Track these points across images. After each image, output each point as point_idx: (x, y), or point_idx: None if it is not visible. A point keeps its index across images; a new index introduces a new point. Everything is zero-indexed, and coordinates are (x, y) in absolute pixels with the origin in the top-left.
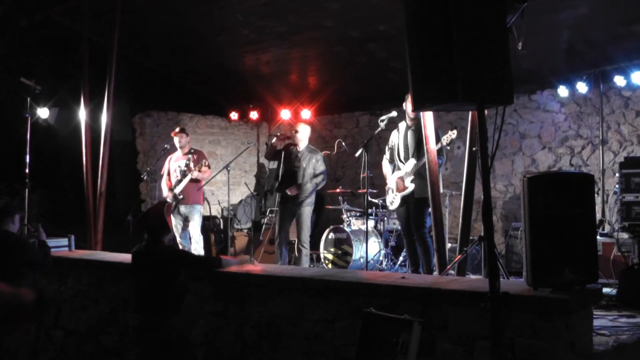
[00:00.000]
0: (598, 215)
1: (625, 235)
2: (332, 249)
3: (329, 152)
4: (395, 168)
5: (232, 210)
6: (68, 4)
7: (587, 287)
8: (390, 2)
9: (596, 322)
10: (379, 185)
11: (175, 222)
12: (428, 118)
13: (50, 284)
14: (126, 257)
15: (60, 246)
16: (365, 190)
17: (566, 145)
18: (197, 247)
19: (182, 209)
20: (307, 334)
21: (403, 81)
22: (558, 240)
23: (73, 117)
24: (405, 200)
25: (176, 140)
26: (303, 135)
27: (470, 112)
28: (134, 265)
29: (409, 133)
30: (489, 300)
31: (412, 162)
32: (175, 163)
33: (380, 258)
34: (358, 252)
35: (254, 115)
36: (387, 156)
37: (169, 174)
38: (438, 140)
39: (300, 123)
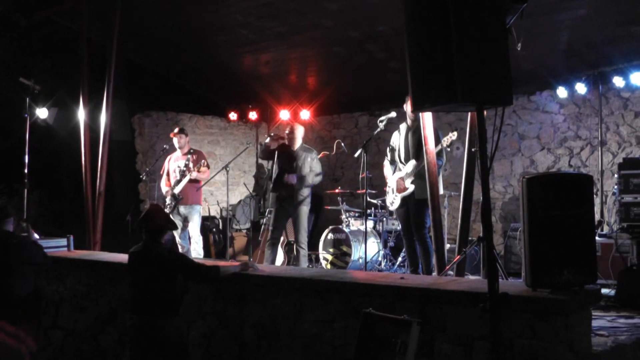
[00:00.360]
0: (597, 216)
1: (624, 236)
2: (331, 250)
3: (327, 152)
4: (396, 169)
5: (231, 211)
6: (67, 5)
7: (585, 287)
8: (390, 2)
9: (595, 323)
10: (378, 185)
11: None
12: (427, 119)
13: (49, 284)
14: (125, 258)
15: (59, 246)
16: (364, 190)
17: (565, 146)
18: (196, 247)
19: (182, 209)
20: (306, 334)
21: (402, 82)
22: (557, 241)
23: (72, 117)
24: (405, 201)
25: (175, 140)
26: (297, 135)
27: (469, 113)
28: (131, 265)
29: (410, 134)
30: (487, 301)
31: (413, 163)
32: (174, 163)
33: (379, 258)
34: (357, 252)
35: (253, 115)
36: (388, 157)
37: (168, 174)
38: (438, 141)
39: (295, 123)
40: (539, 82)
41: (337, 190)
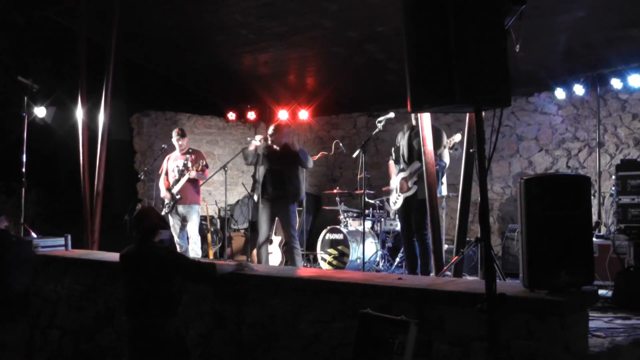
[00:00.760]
0: (594, 218)
1: (621, 238)
2: (329, 250)
3: (326, 152)
4: (400, 169)
5: (229, 211)
6: (66, 4)
7: (583, 288)
8: (389, 2)
9: (592, 324)
10: (376, 186)
11: (173, 222)
12: (425, 120)
13: (46, 283)
14: None
15: (56, 245)
16: (362, 191)
17: (563, 148)
18: (194, 247)
19: (180, 208)
20: (304, 335)
21: (401, 82)
22: (554, 242)
23: (70, 116)
24: (408, 201)
25: (174, 140)
26: (281, 134)
27: (467, 114)
28: (125, 266)
29: (413, 135)
30: (485, 302)
31: (417, 164)
32: (173, 163)
33: (377, 259)
34: (355, 253)
35: (251, 115)
36: (392, 157)
37: (166, 173)
38: (440, 143)
39: (277, 122)
40: (537, 84)
41: (335, 191)
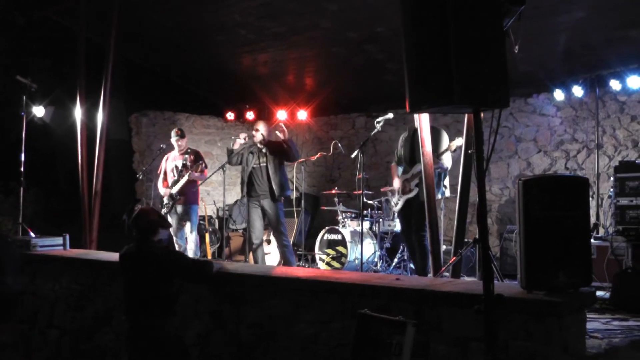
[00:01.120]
0: (592, 219)
1: (619, 239)
2: (327, 250)
3: (324, 153)
4: (402, 171)
5: (228, 211)
6: (65, 4)
7: (580, 290)
8: (388, 3)
9: (589, 325)
10: (374, 186)
11: (171, 222)
12: (424, 120)
13: (44, 283)
14: None
15: (55, 245)
16: (360, 191)
17: (561, 149)
18: (193, 247)
19: (179, 208)
20: (302, 335)
21: (400, 83)
22: (552, 244)
23: (69, 116)
24: (409, 202)
25: (173, 140)
26: (263, 133)
27: (466, 115)
28: (125, 266)
29: (416, 137)
30: (483, 303)
31: (419, 166)
32: (172, 163)
33: (375, 259)
34: (353, 253)
35: (250, 115)
36: (395, 158)
37: (165, 173)
38: (442, 144)
39: (259, 121)
40: (536, 85)
41: (333, 191)
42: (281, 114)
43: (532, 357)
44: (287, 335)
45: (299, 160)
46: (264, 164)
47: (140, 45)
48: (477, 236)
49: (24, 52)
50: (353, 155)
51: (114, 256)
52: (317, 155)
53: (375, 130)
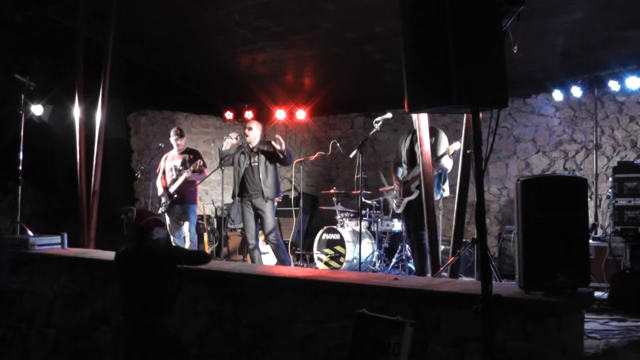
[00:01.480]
0: (591, 220)
1: (617, 240)
2: (325, 250)
3: (323, 152)
4: (403, 172)
5: (226, 210)
6: (64, 3)
7: (578, 290)
8: (387, 3)
9: (587, 326)
10: (373, 186)
11: (170, 222)
12: (422, 120)
13: (42, 282)
14: None
15: (53, 244)
16: (359, 191)
17: (560, 150)
18: (191, 246)
19: (177, 208)
20: (301, 335)
21: (399, 83)
22: (551, 244)
23: (67, 115)
24: (410, 204)
25: (173, 140)
26: (256, 133)
27: (464, 115)
28: (123, 265)
29: (415, 139)
30: (481, 303)
31: (419, 168)
32: (170, 162)
33: (374, 259)
34: (351, 253)
35: (248, 115)
36: (396, 160)
37: (164, 172)
38: (441, 144)
39: (251, 121)
40: (534, 85)
41: (332, 191)
42: (280, 114)
43: (530, 358)
44: (285, 335)
45: (297, 160)
46: (256, 164)
47: (139, 44)
48: (475, 236)
49: (22, 51)
50: (352, 155)
51: (112, 255)
52: (316, 155)
53: (374, 130)
